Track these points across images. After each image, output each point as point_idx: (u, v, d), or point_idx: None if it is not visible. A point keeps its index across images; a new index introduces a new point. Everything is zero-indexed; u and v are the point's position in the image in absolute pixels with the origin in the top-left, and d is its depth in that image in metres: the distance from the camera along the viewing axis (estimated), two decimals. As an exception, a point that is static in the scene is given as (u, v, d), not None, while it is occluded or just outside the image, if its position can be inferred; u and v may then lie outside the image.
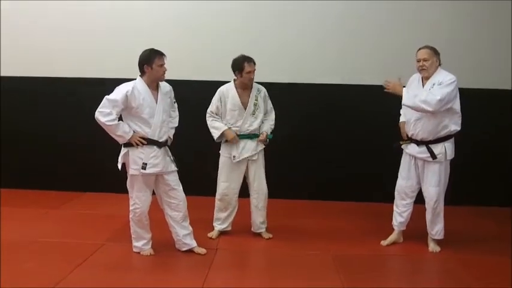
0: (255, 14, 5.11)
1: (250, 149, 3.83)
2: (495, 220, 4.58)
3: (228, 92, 3.82)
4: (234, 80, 3.86)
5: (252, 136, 3.85)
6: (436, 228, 3.70)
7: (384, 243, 3.85)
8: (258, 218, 3.95)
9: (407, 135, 3.74)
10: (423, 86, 3.60)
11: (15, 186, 5.20)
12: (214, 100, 3.85)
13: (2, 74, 5.27)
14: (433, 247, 3.72)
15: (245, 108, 3.81)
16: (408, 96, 3.47)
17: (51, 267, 3.22)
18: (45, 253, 3.49)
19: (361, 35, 5.06)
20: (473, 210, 4.83)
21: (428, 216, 3.71)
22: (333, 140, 5.16)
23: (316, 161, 5.18)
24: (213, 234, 3.93)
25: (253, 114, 3.84)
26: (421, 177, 3.70)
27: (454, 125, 3.57)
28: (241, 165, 3.87)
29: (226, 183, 3.88)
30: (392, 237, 3.87)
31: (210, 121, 3.85)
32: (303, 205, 4.99)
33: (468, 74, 4.83)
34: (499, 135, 5.03)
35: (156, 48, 3.34)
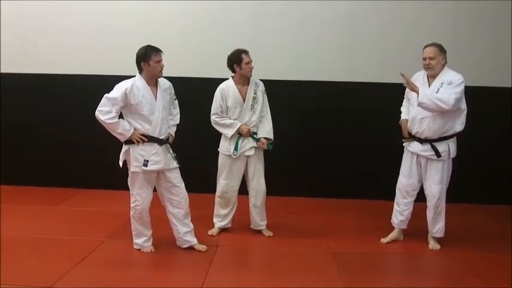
0: (255, 12, 5.09)
1: (247, 144, 3.82)
2: (495, 218, 4.59)
3: (229, 89, 3.81)
4: (232, 77, 3.85)
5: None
6: (437, 227, 3.70)
7: (383, 240, 3.85)
8: (257, 216, 3.95)
9: (409, 133, 3.74)
10: (429, 84, 3.59)
11: (15, 183, 5.21)
12: (217, 99, 3.81)
13: (2, 71, 5.26)
14: (433, 245, 3.73)
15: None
16: (424, 94, 3.40)
17: (52, 264, 3.23)
18: (45, 250, 3.49)
19: (361, 34, 5.05)
20: (473, 208, 4.84)
21: (429, 214, 3.71)
22: (333, 137, 5.16)
23: (316, 159, 5.18)
24: (213, 231, 3.94)
25: (252, 108, 3.83)
26: (424, 175, 3.69)
27: (460, 125, 3.59)
28: (240, 163, 3.86)
29: (226, 180, 3.88)
30: (392, 235, 3.87)
31: (220, 120, 3.80)
32: (303, 202, 4.99)
33: (468, 72, 4.78)
34: (499, 133, 5.04)
35: (152, 45, 3.33)
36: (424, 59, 3.57)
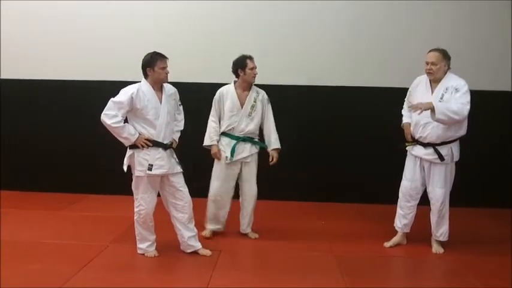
0: (255, 15, 5.12)
1: (244, 151, 3.85)
2: (496, 221, 4.61)
3: (228, 93, 3.85)
4: (235, 82, 3.88)
5: (246, 138, 3.86)
6: (441, 230, 3.71)
7: (387, 244, 3.86)
8: (247, 220, 3.97)
9: (412, 137, 3.75)
10: (431, 89, 3.60)
11: (19, 188, 5.21)
12: (215, 103, 3.89)
13: (2, 77, 5.28)
14: (436, 248, 3.74)
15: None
16: (440, 111, 3.38)
17: (56, 268, 3.23)
18: (50, 255, 3.49)
19: (361, 36, 5.08)
20: (473, 212, 4.84)
21: (433, 218, 3.71)
22: (335, 141, 5.17)
23: (318, 163, 5.19)
24: (206, 233, 3.92)
25: (249, 115, 3.85)
26: (427, 179, 3.70)
27: (463, 130, 3.62)
28: (234, 167, 3.88)
29: (219, 184, 3.89)
30: (396, 239, 3.87)
31: (210, 124, 3.90)
32: (305, 207, 4.99)
33: (468, 76, 4.81)
34: (499, 136, 5.05)
35: (158, 51, 3.37)
36: (427, 63, 3.58)
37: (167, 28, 5.10)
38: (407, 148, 3.80)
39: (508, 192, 5.04)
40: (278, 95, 4.97)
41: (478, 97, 4.74)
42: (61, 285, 2.97)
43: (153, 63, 3.32)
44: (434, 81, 3.59)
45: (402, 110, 3.93)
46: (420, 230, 3.86)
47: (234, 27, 5.09)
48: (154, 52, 3.36)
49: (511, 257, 3.59)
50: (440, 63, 3.53)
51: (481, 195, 5.07)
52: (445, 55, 3.56)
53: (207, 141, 3.89)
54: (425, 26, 4.99)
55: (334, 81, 5.10)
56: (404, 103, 3.93)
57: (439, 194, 3.64)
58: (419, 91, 3.67)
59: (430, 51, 3.59)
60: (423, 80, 3.68)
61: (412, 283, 3.30)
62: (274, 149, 3.92)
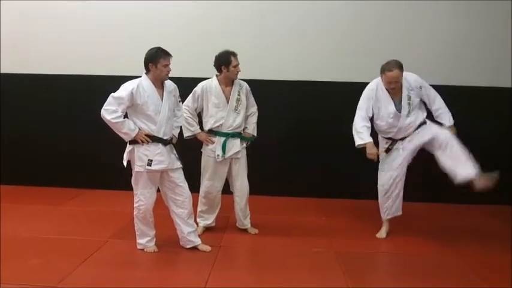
0: (253, 12, 5.10)
1: (234, 147, 3.84)
2: (496, 218, 4.61)
3: (212, 88, 3.79)
4: (217, 76, 3.83)
5: (235, 134, 3.84)
6: (468, 167, 3.64)
7: (381, 236, 3.93)
8: (242, 215, 3.98)
9: (391, 139, 3.81)
10: (390, 96, 3.66)
11: (18, 182, 5.21)
12: (195, 96, 3.82)
13: (2, 72, 5.26)
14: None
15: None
16: (453, 132, 3.65)
17: (56, 263, 3.24)
18: (49, 250, 3.50)
19: (360, 34, 5.06)
20: (473, 209, 4.84)
21: (448, 160, 3.64)
22: (334, 137, 5.15)
23: (317, 159, 5.18)
24: (198, 230, 3.88)
25: (236, 110, 3.82)
26: (423, 143, 3.71)
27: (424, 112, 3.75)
28: (224, 164, 3.87)
29: (210, 181, 3.87)
30: (385, 228, 3.95)
31: (187, 116, 3.82)
32: (304, 203, 4.99)
33: (468, 72, 4.85)
34: (499, 133, 5.04)
35: (162, 48, 3.35)
36: (390, 82, 3.59)
37: (166, 26, 5.08)
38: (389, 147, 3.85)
39: (508, 188, 5.03)
40: (277, 90, 4.97)
41: (478, 93, 4.78)
42: (60, 280, 2.97)
43: (156, 60, 3.29)
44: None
45: (358, 125, 3.79)
46: (419, 226, 3.87)
47: (233, 26, 5.05)
48: (159, 48, 3.33)
49: (511, 254, 3.60)
50: (401, 76, 3.59)
51: (481, 191, 5.05)
52: (401, 67, 3.58)
53: (188, 132, 3.84)
54: (426, 23, 4.97)
55: (334, 76, 5.07)
56: (360, 116, 3.80)
57: (443, 136, 3.63)
58: (381, 100, 3.70)
59: (388, 70, 3.56)
60: (380, 90, 3.70)
61: (412, 279, 3.29)
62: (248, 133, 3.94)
